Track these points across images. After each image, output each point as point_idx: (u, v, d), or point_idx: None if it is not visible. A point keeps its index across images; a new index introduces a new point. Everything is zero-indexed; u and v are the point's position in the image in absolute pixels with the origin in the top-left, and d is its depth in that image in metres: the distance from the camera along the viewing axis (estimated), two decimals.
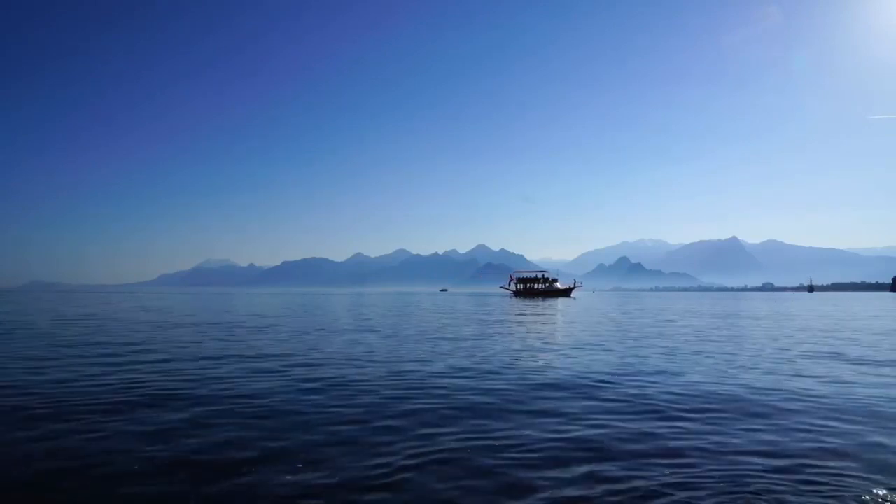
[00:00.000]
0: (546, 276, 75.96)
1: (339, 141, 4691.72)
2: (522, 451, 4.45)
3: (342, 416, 5.59)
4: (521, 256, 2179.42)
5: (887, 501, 3.53)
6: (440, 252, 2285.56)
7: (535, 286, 75.31)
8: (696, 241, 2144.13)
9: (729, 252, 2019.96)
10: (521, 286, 76.70)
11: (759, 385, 7.43)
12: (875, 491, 3.68)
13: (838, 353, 11.22)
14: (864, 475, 3.96)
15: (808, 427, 5.27)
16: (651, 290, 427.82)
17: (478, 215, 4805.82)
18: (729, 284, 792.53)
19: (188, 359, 9.84)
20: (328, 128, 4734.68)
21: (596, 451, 4.49)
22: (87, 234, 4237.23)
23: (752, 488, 3.72)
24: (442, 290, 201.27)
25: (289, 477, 3.89)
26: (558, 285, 74.99)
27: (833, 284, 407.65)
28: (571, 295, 75.33)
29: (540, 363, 9.58)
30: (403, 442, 4.70)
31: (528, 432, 4.99)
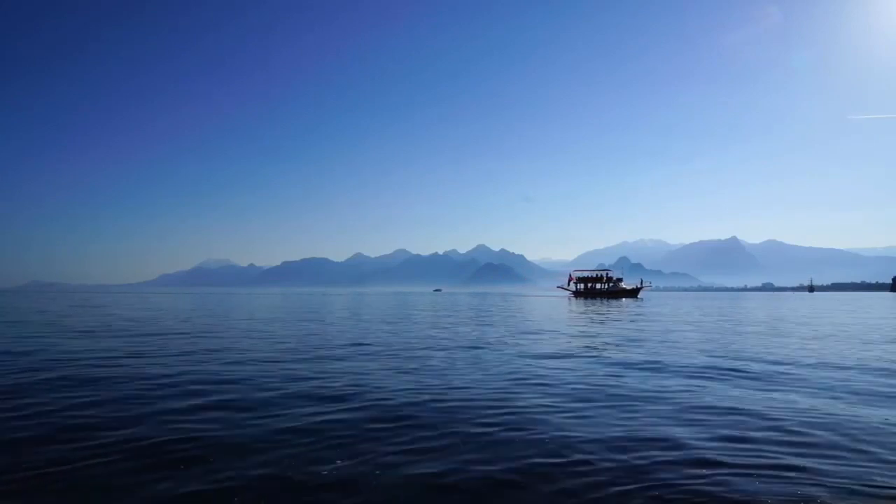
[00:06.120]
0: (609, 275, 70.99)
1: (340, 141, 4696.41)
2: None
3: None
4: (521, 256, 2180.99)
5: None
6: (440, 252, 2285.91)
7: (598, 286, 70.80)
8: (696, 241, 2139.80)
9: (729, 252, 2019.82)
10: (581, 286, 72.51)
11: None
12: None
13: None
14: None
15: None
16: (651, 290, 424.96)
17: (478, 215, 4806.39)
18: (729, 284, 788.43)
19: None
20: (328, 127, 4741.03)
21: None
22: (87, 234, 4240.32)
23: None
24: (436, 290, 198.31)
25: None
26: (623, 285, 69.96)
27: (833, 284, 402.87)
28: (639, 296, 69.07)
29: None
30: None
31: None
